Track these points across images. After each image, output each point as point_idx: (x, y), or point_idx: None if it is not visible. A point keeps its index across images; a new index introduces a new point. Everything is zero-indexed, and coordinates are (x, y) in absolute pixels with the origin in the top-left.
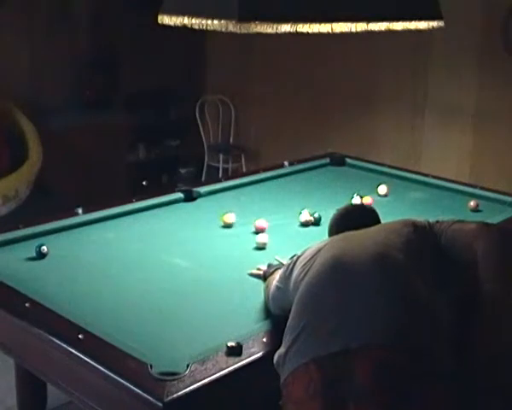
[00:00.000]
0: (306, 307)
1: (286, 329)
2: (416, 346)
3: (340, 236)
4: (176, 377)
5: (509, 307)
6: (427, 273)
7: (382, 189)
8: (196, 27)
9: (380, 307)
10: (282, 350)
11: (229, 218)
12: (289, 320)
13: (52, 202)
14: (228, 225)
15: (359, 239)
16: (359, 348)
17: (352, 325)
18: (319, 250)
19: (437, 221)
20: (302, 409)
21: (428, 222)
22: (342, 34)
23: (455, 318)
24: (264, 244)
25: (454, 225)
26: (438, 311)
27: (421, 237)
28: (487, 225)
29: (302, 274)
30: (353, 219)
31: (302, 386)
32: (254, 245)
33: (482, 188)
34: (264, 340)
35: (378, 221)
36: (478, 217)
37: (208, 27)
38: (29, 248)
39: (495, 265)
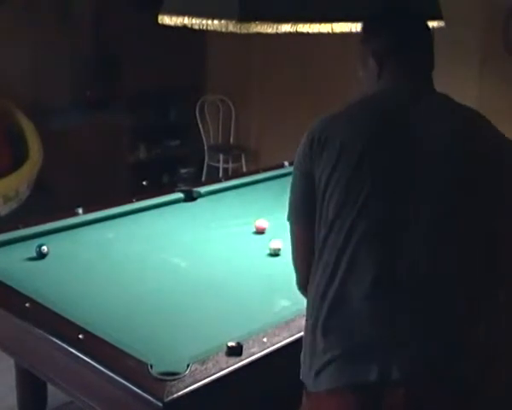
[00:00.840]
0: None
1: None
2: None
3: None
4: (176, 377)
5: None
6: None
7: None
8: (196, 27)
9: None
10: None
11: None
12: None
13: (52, 202)
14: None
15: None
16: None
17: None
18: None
19: None
20: None
21: None
22: (342, 34)
23: None
24: (279, 250)
25: None
26: None
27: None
28: None
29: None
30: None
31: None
32: (254, 245)
33: None
34: (265, 340)
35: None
36: None
37: (208, 27)
38: (29, 248)
39: None
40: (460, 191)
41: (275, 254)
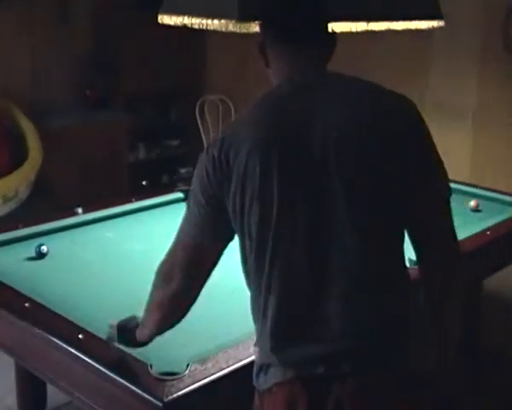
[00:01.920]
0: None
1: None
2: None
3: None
4: (176, 377)
5: None
6: None
7: None
8: (196, 27)
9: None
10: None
11: None
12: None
13: (52, 201)
14: None
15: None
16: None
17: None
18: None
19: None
20: None
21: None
22: (342, 34)
23: None
24: None
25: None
26: None
27: None
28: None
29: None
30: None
31: (285, 402)
32: None
33: (482, 188)
34: None
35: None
36: (478, 217)
37: (208, 27)
38: (29, 248)
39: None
40: (371, 176)
41: None
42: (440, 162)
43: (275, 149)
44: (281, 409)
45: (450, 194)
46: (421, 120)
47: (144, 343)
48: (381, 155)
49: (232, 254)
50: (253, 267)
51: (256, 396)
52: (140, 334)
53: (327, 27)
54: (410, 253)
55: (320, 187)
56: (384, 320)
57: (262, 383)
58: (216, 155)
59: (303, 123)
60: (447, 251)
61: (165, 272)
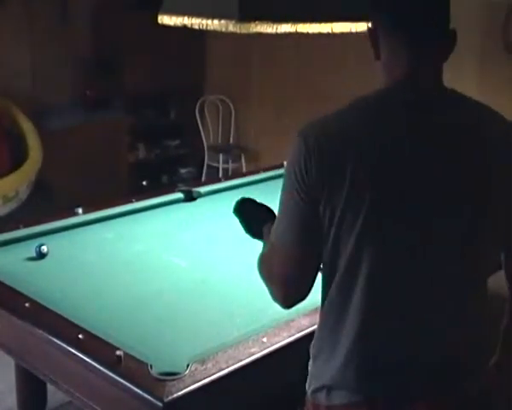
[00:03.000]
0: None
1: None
2: None
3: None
4: (176, 377)
5: None
6: None
7: None
8: (196, 27)
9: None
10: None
11: None
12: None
13: (52, 202)
14: None
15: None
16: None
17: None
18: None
19: None
20: None
21: None
22: (342, 34)
23: None
24: None
25: None
26: None
27: None
28: None
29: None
30: None
31: None
32: (254, 245)
33: None
34: (264, 340)
35: None
36: None
37: (208, 27)
38: (29, 248)
39: None
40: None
41: None
42: None
43: (370, 161)
44: None
45: None
46: None
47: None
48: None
49: (234, 255)
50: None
51: (311, 405)
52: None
53: (448, 23)
54: None
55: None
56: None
57: (322, 398)
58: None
59: (410, 144)
60: None
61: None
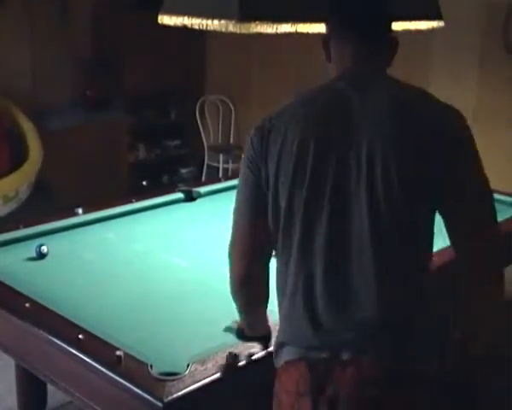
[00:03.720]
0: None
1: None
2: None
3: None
4: (176, 377)
5: None
6: None
7: None
8: (196, 27)
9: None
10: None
11: None
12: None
13: (52, 202)
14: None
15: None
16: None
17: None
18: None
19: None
20: (294, 402)
21: None
22: None
23: None
24: None
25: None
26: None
27: None
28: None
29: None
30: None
31: (293, 380)
32: None
33: None
34: None
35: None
36: None
37: (208, 27)
38: (29, 248)
39: None
40: (399, 179)
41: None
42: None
43: (312, 136)
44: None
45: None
46: (460, 141)
47: (258, 335)
48: (409, 170)
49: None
50: (280, 245)
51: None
52: (246, 331)
53: (390, 27)
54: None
55: (345, 189)
56: (391, 315)
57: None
58: (261, 131)
59: (344, 120)
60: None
61: None
